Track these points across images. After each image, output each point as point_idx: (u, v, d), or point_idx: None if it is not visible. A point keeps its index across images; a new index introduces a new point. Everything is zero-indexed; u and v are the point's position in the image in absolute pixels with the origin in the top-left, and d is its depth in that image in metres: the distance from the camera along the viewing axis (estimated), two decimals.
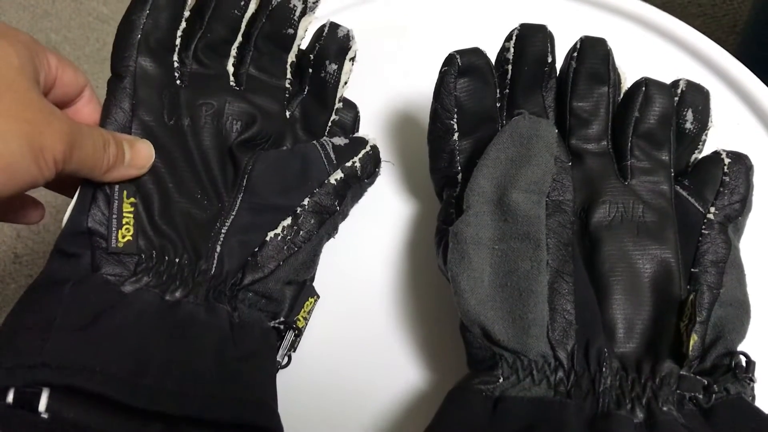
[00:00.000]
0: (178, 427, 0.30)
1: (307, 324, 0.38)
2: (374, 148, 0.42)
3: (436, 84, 0.38)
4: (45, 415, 0.27)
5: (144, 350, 0.30)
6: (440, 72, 0.38)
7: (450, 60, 0.38)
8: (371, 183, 0.43)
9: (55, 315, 0.30)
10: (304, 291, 0.38)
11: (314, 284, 0.40)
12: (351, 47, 0.41)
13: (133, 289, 0.33)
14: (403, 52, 0.53)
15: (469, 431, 0.30)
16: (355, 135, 0.43)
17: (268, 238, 0.36)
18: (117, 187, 0.34)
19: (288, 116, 0.41)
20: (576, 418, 0.30)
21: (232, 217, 0.36)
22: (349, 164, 0.39)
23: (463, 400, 0.32)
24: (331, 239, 0.40)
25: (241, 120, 0.39)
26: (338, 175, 0.39)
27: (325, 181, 0.38)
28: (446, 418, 0.31)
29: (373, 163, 0.42)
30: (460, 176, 0.38)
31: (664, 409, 0.31)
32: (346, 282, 0.42)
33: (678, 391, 0.31)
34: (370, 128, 0.47)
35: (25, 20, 1.37)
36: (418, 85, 0.49)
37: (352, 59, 0.42)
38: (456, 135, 0.38)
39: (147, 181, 0.35)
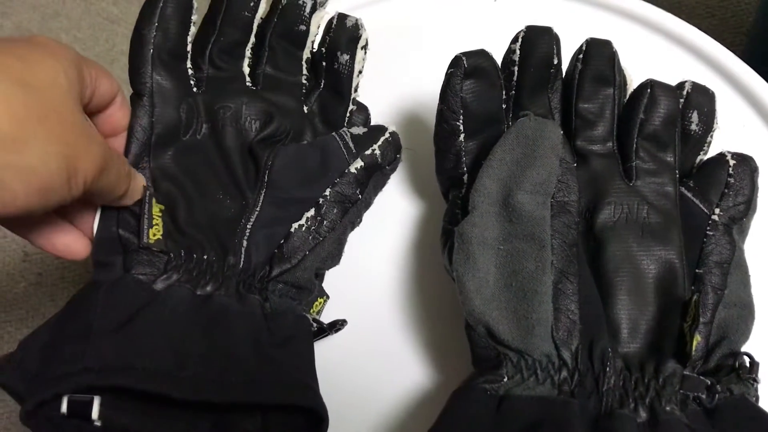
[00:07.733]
0: (228, 418, 0.31)
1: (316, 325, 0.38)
2: (394, 134, 0.42)
3: (443, 85, 0.38)
4: (98, 423, 0.28)
5: (181, 344, 0.31)
6: (446, 73, 0.38)
7: (456, 62, 0.38)
8: (393, 170, 0.43)
9: (92, 320, 0.30)
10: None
11: (322, 284, 0.40)
12: (361, 36, 0.42)
13: (164, 286, 0.33)
14: (411, 53, 0.53)
15: (474, 430, 0.30)
16: (374, 124, 0.43)
17: (292, 230, 0.37)
18: (147, 193, 0.35)
19: (306, 111, 0.42)
20: (580, 417, 0.30)
21: (256, 212, 0.37)
22: (368, 152, 0.40)
23: (467, 399, 0.32)
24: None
25: (259, 119, 0.39)
26: (358, 163, 0.39)
27: (346, 171, 0.39)
28: (451, 417, 0.32)
29: (393, 150, 0.42)
30: (465, 177, 0.38)
31: (667, 408, 0.31)
32: (352, 282, 0.42)
33: (681, 391, 0.31)
34: None
35: (35, 20, 1.38)
36: (426, 86, 0.49)
37: (364, 47, 0.42)
38: (462, 136, 0.38)
39: (170, 192, 0.36)
